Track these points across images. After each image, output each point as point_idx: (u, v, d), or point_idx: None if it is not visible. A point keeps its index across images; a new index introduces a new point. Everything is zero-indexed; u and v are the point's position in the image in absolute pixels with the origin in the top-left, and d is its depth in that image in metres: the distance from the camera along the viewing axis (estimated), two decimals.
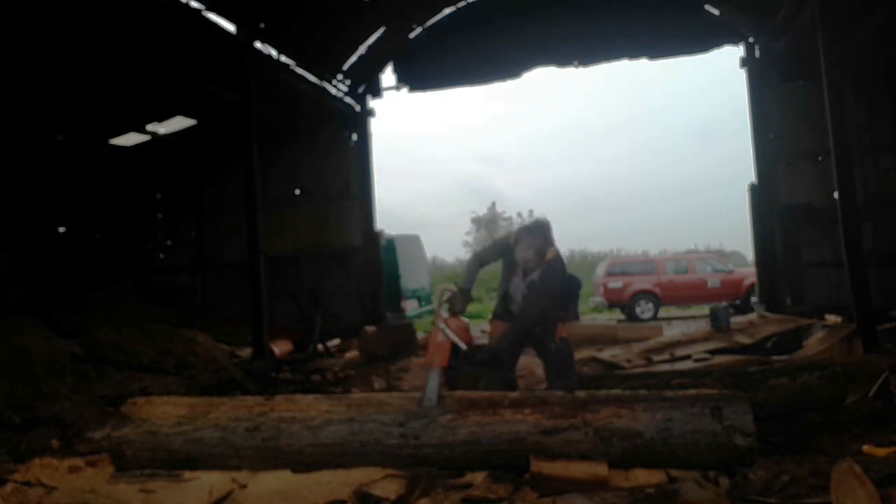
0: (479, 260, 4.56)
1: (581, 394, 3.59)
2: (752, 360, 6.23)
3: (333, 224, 12.18)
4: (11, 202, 10.90)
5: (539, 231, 4.29)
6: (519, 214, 36.38)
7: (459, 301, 3.91)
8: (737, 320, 8.35)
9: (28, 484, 3.45)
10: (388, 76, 12.39)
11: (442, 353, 3.62)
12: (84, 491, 3.38)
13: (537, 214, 34.57)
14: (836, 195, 6.93)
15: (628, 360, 6.85)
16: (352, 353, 9.31)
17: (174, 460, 3.57)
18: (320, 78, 11.14)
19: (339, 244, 12.09)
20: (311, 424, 3.55)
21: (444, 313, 3.77)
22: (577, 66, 11.45)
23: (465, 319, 3.86)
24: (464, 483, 3.26)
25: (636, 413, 3.32)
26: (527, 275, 4.34)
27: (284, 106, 10.84)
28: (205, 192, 12.81)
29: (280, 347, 8.93)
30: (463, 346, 3.71)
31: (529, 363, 7.92)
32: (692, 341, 7.60)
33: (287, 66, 10.18)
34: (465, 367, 3.91)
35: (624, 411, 3.34)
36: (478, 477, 3.29)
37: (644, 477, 3.16)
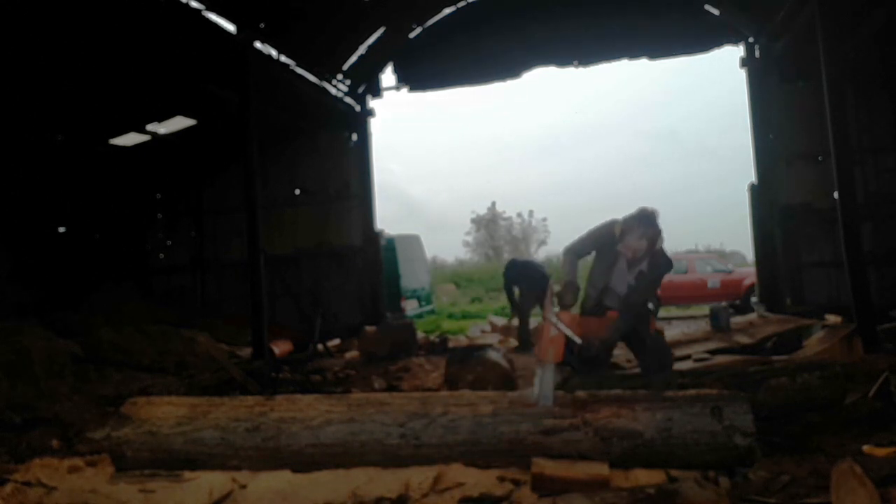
0: (577, 253, 4.40)
1: (581, 394, 3.59)
2: (752, 360, 6.23)
3: (333, 224, 12.17)
4: (11, 202, 10.90)
5: (651, 220, 4.20)
6: (519, 214, 36.51)
7: (569, 294, 3.84)
8: (737, 320, 8.35)
9: (28, 484, 3.45)
10: (388, 76, 12.42)
11: (556, 348, 3.53)
12: (84, 491, 3.38)
13: (537, 214, 34.58)
14: (836, 195, 6.93)
15: (628, 360, 6.85)
16: (352, 353, 9.31)
17: (174, 460, 3.57)
18: (320, 78, 11.14)
19: (339, 244, 12.09)
20: (311, 424, 3.55)
21: (555, 307, 3.67)
22: (576, 66, 11.45)
23: (576, 313, 3.78)
24: (464, 482, 3.26)
25: (636, 413, 3.32)
26: (632, 266, 4.26)
27: (284, 106, 10.83)
28: (205, 192, 12.79)
29: (280, 347, 8.92)
30: (577, 341, 3.64)
31: (529, 363, 7.91)
32: (692, 341, 7.60)
33: (287, 66, 10.17)
34: (578, 362, 3.85)
35: (624, 411, 3.34)
36: (479, 476, 3.29)
37: (644, 477, 3.16)
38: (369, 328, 9.36)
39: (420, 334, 10.38)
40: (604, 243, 4.35)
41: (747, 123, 10.87)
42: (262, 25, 8.93)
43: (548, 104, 77.23)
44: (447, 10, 11.74)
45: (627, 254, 4.25)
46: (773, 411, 3.97)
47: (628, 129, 73.71)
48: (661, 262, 4.27)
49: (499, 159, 73.26)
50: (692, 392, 3.51)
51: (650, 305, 4.49)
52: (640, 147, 69.53)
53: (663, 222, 4.25)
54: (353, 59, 11.57)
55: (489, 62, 11.64)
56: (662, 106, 73.70)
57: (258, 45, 9.06)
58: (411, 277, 14.21)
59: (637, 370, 6.39)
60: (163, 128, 11.54)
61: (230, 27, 8.44)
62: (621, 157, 67.58)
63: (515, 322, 9.76)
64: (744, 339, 7.46)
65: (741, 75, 10.88)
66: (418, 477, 3.26)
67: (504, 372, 5.76)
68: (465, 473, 3.32)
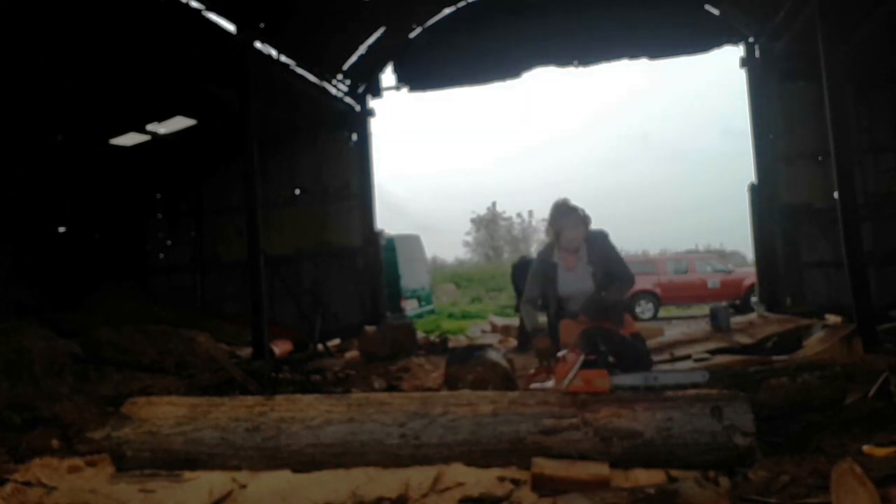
0: (531, 301, 4.26)
1: (581, 394, 3.59)
2: (752, 360, 6.22)
3: (333, 224, 12.18)
4: (11, 202, 10.89)
5: (571, 206, 4.08)
6: (519, 215, 36.54)
7: (543, 343, 3.95)
8: (737, 320, 8.35)
9: (28, 484, 3.45)
10: (388, 76, 12.43)
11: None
12: (84, 491, 3.38)
13: (537, 214, 34.52)
14: (836, 195, 6.93)
15: None
16: (352, 353, 9.31)
17: (174, 460, 3.57)
18: (320, 78, 11.14)
19: (339, 244, 12.09)
20: (311, 424, 3.55)
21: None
22: (576, 66, 11.45)
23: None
24: (464, 482, 3.26)
25: (636, 413, 3.33)
26: (572, 265, 4.06)
27: (284, 106, 10.83)
28: (205, 192, 12.81)
29: (280, 347, 8.93)
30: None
31: (529, 363, 7.90)
32: (692, 341, 7.60)
33: (287, 65, 10.17)
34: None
35: (624, 411, 3.35)
36: (479, 475, 3.29)
37: (644, 477, 3.16)
38: (369, 328, 9.36)
39: (420, 334, 10.39)
40: (543, 271, 4.18)
41: (747, 123, 10.90)
42: (261, 25, 8.93)
43: (548, 103, 77.32)
44: (447, 10, 11.74)
45: (570, 247, 4.06)
46: (773, 411, 3.97)
47: (627, 128, 73.81)
48: (597, 237, 4.09)
49: (498, 159, 73.38)
50: (692, 392, 3.51)
51: (638, 306, 4.35)
52: (640, 146, 69.58)
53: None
54: (353, 58, 11.57)
55: (489, 62, 11.64)
56: (662, 106, 73.81)
57: (258, 44, 9.07)
58: (411, 277, 14.21)
59: None
60: (163, 128, 11.53)
61: (230, 27, 8.45)
62: (622, 157, 67.72)
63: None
64: (744, 339, 7.46)
65: (740, 75, 10.92)
66: (418, 477, 3.26)
67: (504, 372, 5.76)
68: (465, 473, 3.32)
